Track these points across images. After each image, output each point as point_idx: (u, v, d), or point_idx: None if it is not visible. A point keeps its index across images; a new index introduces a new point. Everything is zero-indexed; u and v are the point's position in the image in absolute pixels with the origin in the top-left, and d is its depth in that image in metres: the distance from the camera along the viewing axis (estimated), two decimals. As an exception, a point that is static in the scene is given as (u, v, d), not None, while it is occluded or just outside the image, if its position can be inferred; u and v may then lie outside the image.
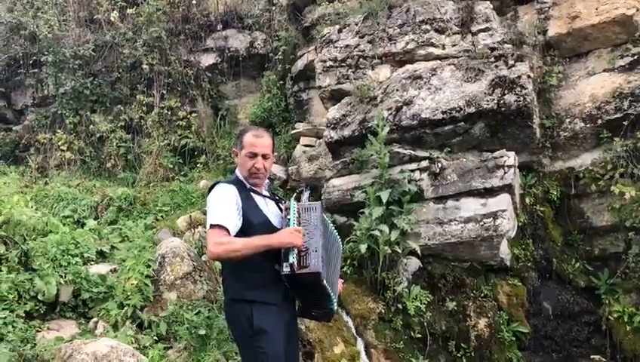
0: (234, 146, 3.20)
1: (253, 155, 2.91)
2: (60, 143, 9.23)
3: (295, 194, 3.06)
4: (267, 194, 3.06)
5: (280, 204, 3.03)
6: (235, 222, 2.76)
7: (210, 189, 2.96)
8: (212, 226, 2.73)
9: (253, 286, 2.80)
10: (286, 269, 2.68)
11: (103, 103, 9.55)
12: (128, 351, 3.95)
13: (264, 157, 2.93)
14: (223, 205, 2.78)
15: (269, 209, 2.98)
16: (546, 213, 6.23)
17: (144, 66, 9.02)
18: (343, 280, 3.25)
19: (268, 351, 2.74)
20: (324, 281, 2.77)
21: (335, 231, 3.12)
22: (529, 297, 6.00)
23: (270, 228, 2.84)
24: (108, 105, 9.53)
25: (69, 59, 9.27)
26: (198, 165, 8.77)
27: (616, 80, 6.03)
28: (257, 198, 2.95)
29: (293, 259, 2.66)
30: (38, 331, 4.63)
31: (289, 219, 2.80)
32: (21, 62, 9.82)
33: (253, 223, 2.81)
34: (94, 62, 9.60)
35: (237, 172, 3.04)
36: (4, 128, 10.29)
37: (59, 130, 9.41)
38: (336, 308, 2.98)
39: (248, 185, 2.96)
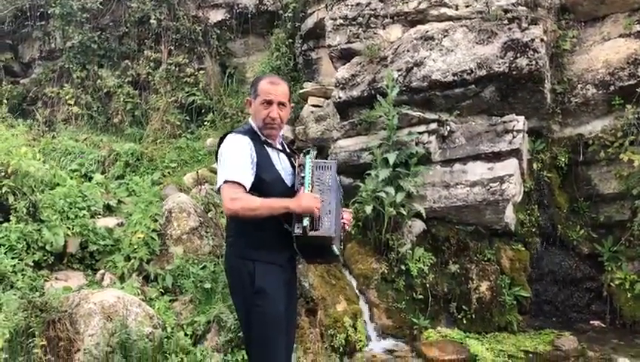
0: (248, 96, 2.98)
1: (269, 103, 2.74)
2: (67, 98, 9.22)
3: (302, 154, 2.93)
4: (280, 147, 2.91)
5: (292, 159, 2.90)
6: (249, 178, 2.66)
7: (221, 139, 2.82)
8: (227, 182, 2.62)
9: (259, 245, 2.72)
10: (298, 231, 2.61)
11: (110, 58, 9.50)
12: (135, 302, 4.02)
13: (280, 105, 2.76)
14: (238, 160, 2.66)
15: (282, 164, 2.85)
16: (552, 179, 6.21)
17: (152, 21, 8.93)
18: (349, 211, 3.11)
19: (267, 310, 2.68)
20: (334, 243, 2.75)
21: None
22: (532, 262, 6.04)
23: (282, 186, 2.76)
24: (115, 60, 9.48)
25: (77, 11, 9.17)
26: (205, 123, 8.76)
27: (632, 45, 5.91)
28: (271, 152, 2.81)
29: (307, 222, 2.59)
30: (46, 280, 4.73)
31: (303, 177, 2.70)
32: (28, 14, 9.73)
33: (265, 180, 2.70)
34: (102, 15, 9.51)
35: (250, 121, 2.87)
36: (12, 81, 10.25)
37: (66, 84, 9.39)
38: (339, 254, 2.91)
39: (262, 137, 2.80)
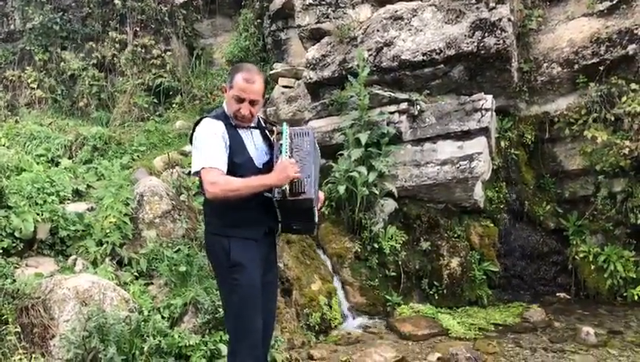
0: (224, 82, 3.03)
1: (241, 100, 2.80)
2: (29, 81, 8.97)
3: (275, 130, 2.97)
4: (254, 124, 2.94)
5: (267, 132, 2.96)
6: (224, 160, 2.73)
7: (196, 124, 2.88)
8: (205, 168, 2.69)
9: (234, 224, 2.80)
10: (278, 195, 2.70)
11: (73, 40, 9.26)
12: (110, 286, 3.99)
13: (252, 103, 2.81)
14: (212, 145, 2.73)
15: (254, 142, 2.90)
16: (520, 157, 6.36)
17: (116, 2, 8.73)
18: (322, 194, 3.18)
19: (242, 282, 2.76)
20: (314, 206, 2.83)
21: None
22: (500, 238, 6.20)
23: (253, 167, 2.82)
24: (79, 42, 9.24)
25: (37, -9, 8.89)
26: (173, 105, 8.65)
27: (595, 25, 6.05)
28: (243, 133, 2.87)
29: (285, 186, 2.68)
30: (16, 267, 4.61)
31: (281, 145, 2.76)
32: (-16, -6, 9.39)
33: (236, 163, 2.77)
34: (64, -5, 9.23)
35: (224, 105, 2.92)
36: (-31, 64, 9.90)
37: (28, 67, 9.12)
38: (316, 220, 2.97)
39: (234, 122, 2.86)
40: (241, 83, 2.79)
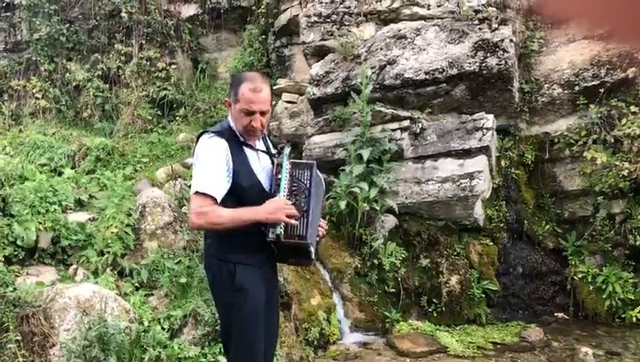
0: (227, 96, 2.81)
1: (250, 113, 2.57)
2: (34, 91, 9.03)
3: (276, 151, 2.87)
4: (261, 147, 2.80)
5: (273, 158, 2.78)
6: (223, 186, 2.56)
7: (198, 137, 2.71)
8: (197, 193, 2.52)
9: (237, 249, 2.68)
10: (272, 236, 2.58)
11: (79, 51, 9.33)
12: (111, 296, 4.00)
13: (262, 113, 2.60)
14: (212, 168, 2.54)
15: (262, 165, 2.74)
16: (519, 176, 6.40)
17: (123, 15, 8.81)
18: (325, 222, 3.01)
19: (247, 307, 2.66)
20: (311, 247, 2.73)
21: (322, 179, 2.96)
22: (499, 256, 6.22)
23: (260, 191, 2.66)
24: (85, 54, 9.32)
25: (44, 3, 9.00)
26: (177, 118, 8.71)
27: (595, 47, 6.14)
28: (250, 154, 2.69)
29: (280, 230, 2.57)
30: (17, 276, 4.64)
31: (279, 179, 2.63)
32: (-7, 4, 9.50)
33: (242, 186, 2.60)
34: (71, 8, 9.34)
35: (230, 121, 2.71)
36: (-25, 73, 9.98)
37: (33, 77, 9.19)
38: (313, 257, 2.85)
39: (242, 138, 2.67)
40: (248, 94, 2.57)
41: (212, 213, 2.50)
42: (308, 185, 2.67)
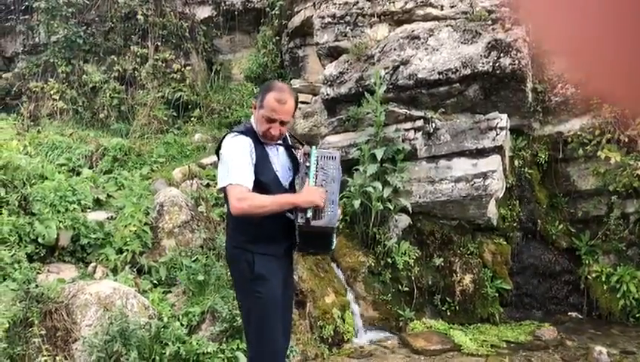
0: (254, 98, 3.01)
1: (271, 121, 2.78)
2: (52, 92, 9.16)
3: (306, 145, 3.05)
4: (280, 141, 2.96)
5: (293, 150, 3.00)
6: (252, 178, 2.74)
7: (223, 138, 2.91)
8: (231, 185, 2.70)
9: (256, 240, 2.84)
10: (301, 221, 2.72)
11: (96, 53, 9.47)
12: (130, 293, 4.10)
13: (282, 123, 2.81)
14: (241, 161, 2.74)
15: (280, 160, 2.94)
16: (533, 176, 6.42)
17: (139, 17, 8.93)
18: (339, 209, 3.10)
19: (265, 294, 2.80)
20: (334, 233, 2.88)
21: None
22: (513, 256, 6.24)
23: (279, 185, 2.86)
24: (101, 56, 9.45)
25: (62, 6, 9.13)
26: (192, 118, 8.80)
27: (609, 47, 6.13)
28: (270, 150, 2.90)
29: (310, 213, 2.71)
30: (38, 273, 4.75)
31: (308, 167, 2.80)
32: (12, 7, 9.65)
33: (262, 181, 2.78)
34: (87, 10, 9.47)
35: (252, 121, 2.93)
36: (-6, 75, 10.17)
37: (51, 79, 9.33)
38: (333, 247, 3.02)
39: (262, 139, 2.87)
40: (273, 103, 2.76)
41: (253, 198, 2.69)
42: (333, 174, 2.85)
